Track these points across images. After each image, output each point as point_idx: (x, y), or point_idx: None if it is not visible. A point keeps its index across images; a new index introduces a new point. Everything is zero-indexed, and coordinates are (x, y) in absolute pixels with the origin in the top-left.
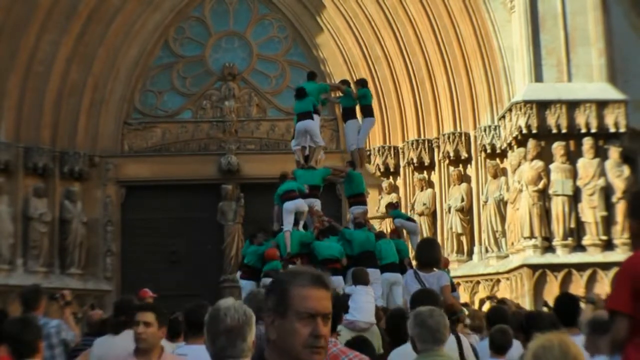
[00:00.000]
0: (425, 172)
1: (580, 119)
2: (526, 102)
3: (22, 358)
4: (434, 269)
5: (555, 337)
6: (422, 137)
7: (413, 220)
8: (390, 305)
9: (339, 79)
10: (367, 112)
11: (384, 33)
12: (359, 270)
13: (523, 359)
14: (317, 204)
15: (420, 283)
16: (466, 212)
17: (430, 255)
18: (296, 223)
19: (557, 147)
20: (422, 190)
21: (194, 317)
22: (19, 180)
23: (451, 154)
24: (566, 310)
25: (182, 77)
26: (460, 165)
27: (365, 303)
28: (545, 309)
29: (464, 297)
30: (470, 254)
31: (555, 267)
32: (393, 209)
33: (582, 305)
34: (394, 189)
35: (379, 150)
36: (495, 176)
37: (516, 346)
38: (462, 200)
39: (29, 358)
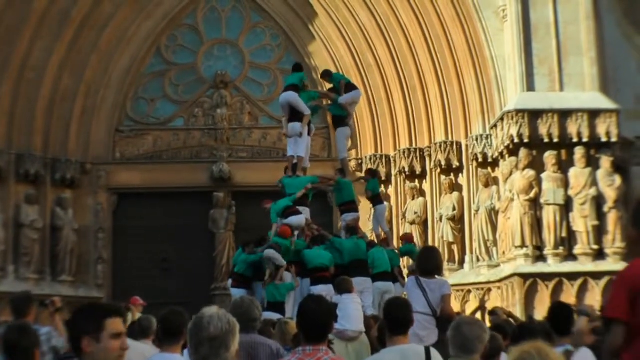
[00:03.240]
0: (416, 180)
1: (572, 128)
2: (518, 111)
3: None
4: (435, 276)
5: (531, 347)
6: (414, 145)
7: (381, 202)
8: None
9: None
10: (353, 87)
11: (376, 41)
12: (341, 280)
13: None
14: (306, 212)
15: (421, 289)
16: (457, 221)
17: (430, 262)
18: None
19: (549, 157)
20: (413, 199)
21: (169, 324)
22: (11, 187)
23: (443, 163)
24: (560, 320)
25: (174, 85)
26: (452, 174)
27: (353, 311)
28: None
29: (455, 306)
30: (461, 262)
31: (546, 277)
32: (372, 177)
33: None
34: (385, 197)
35: (370, 159)
36: (486, 185)
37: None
38: (454, 209)
39: None
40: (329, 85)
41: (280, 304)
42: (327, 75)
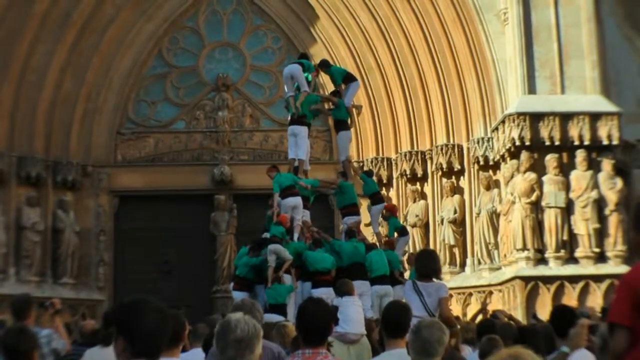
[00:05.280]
0: (418, 183)
1: (574, 131)
2: (519, 114)
3: None
4: (433, 279)
5: (508, 354)
6: (415, 148)
7: (381, 201)
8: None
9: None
10: (351, 78)
11: (377, 43)
12: (342, 282)
13: None
14: (306, 214)
15: (418, 293)
16: (459, 223)
17: (428, 265)
18: (289, 232)
19: (550, 159)
20: (414, 201)
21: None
22: (12, 189)
23: (444, 166)
24: (562, 322)
25: (175, 87)
26: (453, 177)
27: (353, 314)
28: (534, 322)
29: (456, 309)
30: (462, 265)
31: (547, 279)
32: (368, 175)
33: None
34: (386, 200)
35: (372, 162)
36: (488, 188)
37: None
38: (455, 212)
39: None
40: (325, 76)
41: (281, 306)
42: (324, 65)
